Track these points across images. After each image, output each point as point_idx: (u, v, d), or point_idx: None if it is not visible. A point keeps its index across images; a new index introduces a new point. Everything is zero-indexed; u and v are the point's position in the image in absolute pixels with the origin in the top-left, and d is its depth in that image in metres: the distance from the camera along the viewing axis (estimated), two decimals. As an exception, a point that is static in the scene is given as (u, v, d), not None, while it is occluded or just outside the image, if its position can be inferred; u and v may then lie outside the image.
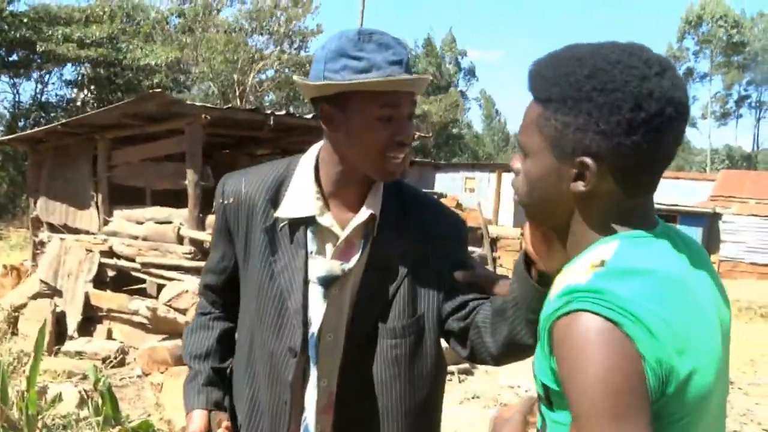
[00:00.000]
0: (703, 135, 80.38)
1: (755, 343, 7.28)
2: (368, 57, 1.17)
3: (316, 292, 1.28)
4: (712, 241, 15.80)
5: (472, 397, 4.80)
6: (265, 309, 1.29)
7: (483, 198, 16.47)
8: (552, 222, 0.94)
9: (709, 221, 15.71)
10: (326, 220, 1.27)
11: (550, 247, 1.04)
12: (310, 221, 1.28)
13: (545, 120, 0.88)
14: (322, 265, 1.27)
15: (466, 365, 5.45)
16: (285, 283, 1.28)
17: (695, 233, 15.35)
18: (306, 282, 1.28)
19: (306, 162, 1.32)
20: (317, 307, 1.28)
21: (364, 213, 1.27)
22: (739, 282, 13.84)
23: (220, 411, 1.36)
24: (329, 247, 1.29)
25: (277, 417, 1.30)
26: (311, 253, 1.28)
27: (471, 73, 42.68)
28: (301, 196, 1.29)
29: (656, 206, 0.95)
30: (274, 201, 1.30)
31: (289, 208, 1.28)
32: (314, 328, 1.28)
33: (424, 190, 1.53)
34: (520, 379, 5.25)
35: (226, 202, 1.33)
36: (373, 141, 1.20)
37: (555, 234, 0.96)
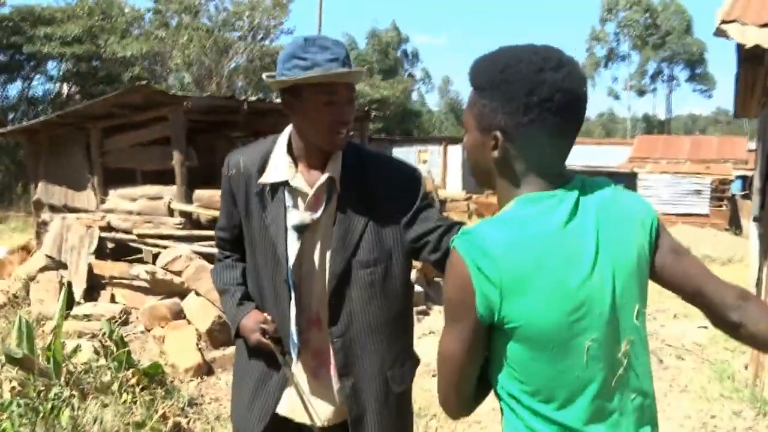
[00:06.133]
0: (624, 106, 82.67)
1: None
2: (312, 57, 1.36)
3: (293, 237, 1.51)
4: (631, 197, 16.36)
5: (429, 333, 5.02)
6: (266, 252, 1.53)
7: (434, 167, 16.72)
8: (488, 183, 1.06)
9: (628, 180, 16.37)
10: (297, 181, 1.49)
11: None
12: (285, 184, 1.50)
13: (474, 103, 1.00)
14: (296, 215, 1.50)
15: (422, 307, 5.78)
16: (274, 232, 1.50)
17: (617, 191, 15.87)
18: (286, 230, 1.50)
19: (282, 138, 1.54)
20: (293, 248, 1.51)
21: (325, 176, 1.48)
22: (653, 230, 14.47)
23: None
24: (301, 203, 1.50)
25: (282, 324, 1.55)
26: (288, 207, 1.50)
27: (415, 56, 42.19)
28: (278, 165, 1.50)
29: (584, 168, 1.15)
30: (261, 170, 1.51)
31: (270, 175, 1.51)
32: (290, 264, 1.51)
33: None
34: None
35: (230, 173, 1.57)
36: (320, 120, 1.41)
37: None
